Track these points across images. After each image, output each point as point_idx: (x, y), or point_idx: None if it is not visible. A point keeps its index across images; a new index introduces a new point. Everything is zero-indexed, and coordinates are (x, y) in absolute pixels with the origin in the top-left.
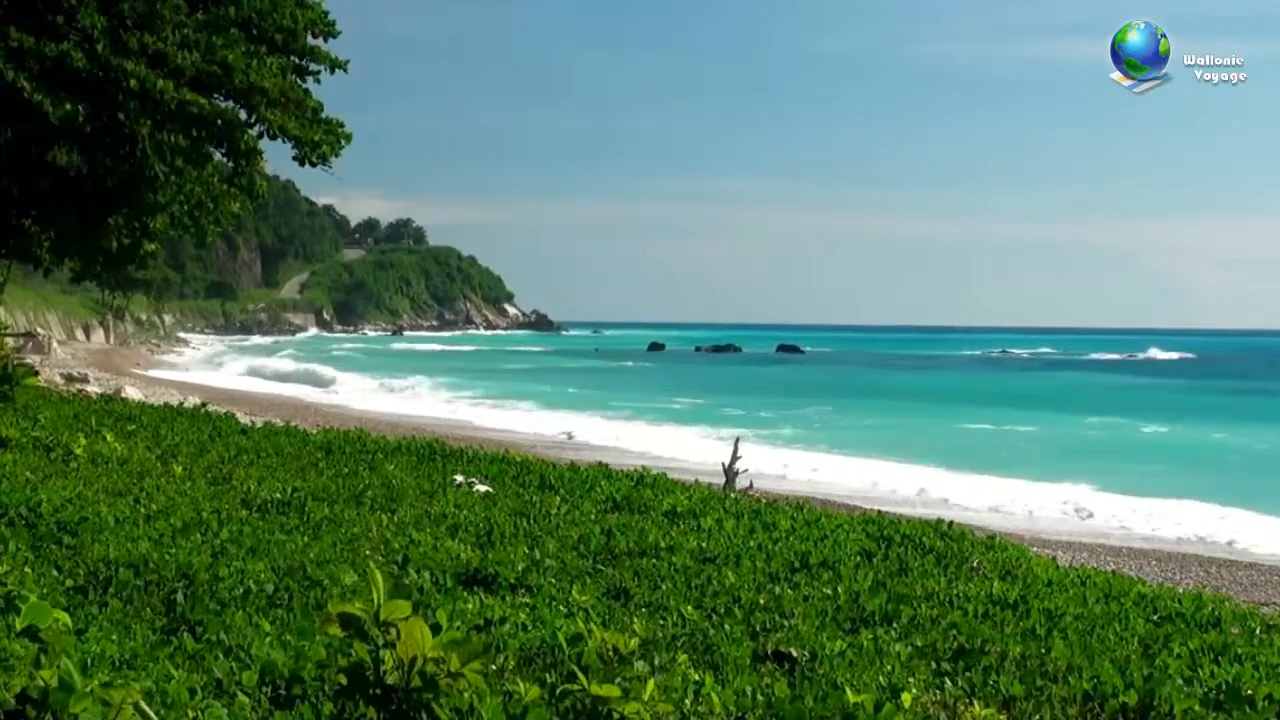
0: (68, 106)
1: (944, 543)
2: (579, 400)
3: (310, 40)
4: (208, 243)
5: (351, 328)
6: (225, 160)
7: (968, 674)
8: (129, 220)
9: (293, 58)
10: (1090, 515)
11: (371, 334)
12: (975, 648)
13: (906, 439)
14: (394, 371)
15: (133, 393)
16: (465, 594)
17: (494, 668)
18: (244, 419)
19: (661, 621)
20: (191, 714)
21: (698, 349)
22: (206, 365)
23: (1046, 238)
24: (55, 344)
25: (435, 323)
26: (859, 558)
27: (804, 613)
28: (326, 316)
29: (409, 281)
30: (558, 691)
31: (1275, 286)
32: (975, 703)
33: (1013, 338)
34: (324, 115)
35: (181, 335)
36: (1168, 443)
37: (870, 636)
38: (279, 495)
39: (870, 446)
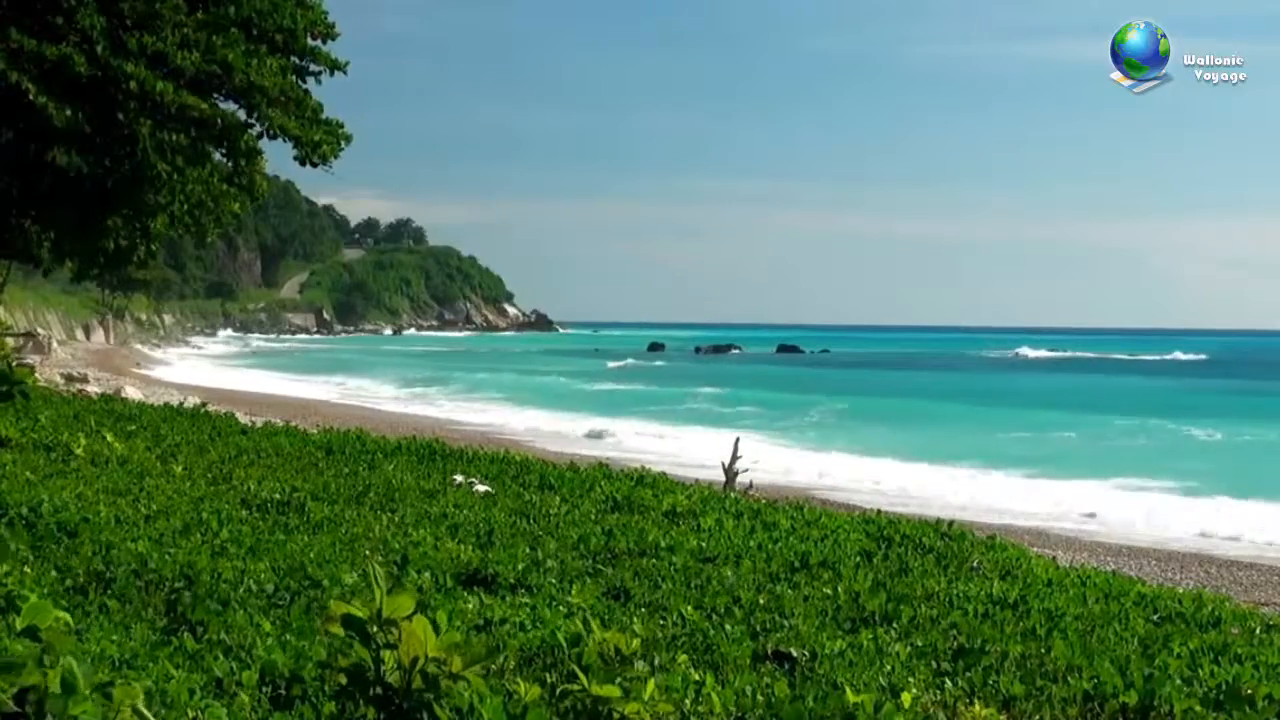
0: (68, 112)
1: (944, 543)
2: None
3: (310, 41)
4: (208, 243)
5: (351, 328)
6: (225, 160)
7: (968, 674)
8: (129, 220)
9: (293, 58)
10: (1091, 515)
11: (370, 333)
12: (975, 648)
13: (905, 439)
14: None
15: (133, 393)
16: (465, 594)
17: (494, 668)
18: (244, 419)
19: (661, 621)
20: (191, 714)
21: (698, 349)
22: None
23: (1046, 238)
24: (55, 344)
25: (435, 322)
26: (859, 558)
27: (804, 613)
28: (326, 316)
29: (409, 281)
30: (558, 691)
31: (1276, 286)
32: (975, 703)
33: (1012, 338)
34: (324, 116)
35: (182, 337)
36: (1166, 443)
37: (870, 636)
38: (279, 495)
39: (870, 446)
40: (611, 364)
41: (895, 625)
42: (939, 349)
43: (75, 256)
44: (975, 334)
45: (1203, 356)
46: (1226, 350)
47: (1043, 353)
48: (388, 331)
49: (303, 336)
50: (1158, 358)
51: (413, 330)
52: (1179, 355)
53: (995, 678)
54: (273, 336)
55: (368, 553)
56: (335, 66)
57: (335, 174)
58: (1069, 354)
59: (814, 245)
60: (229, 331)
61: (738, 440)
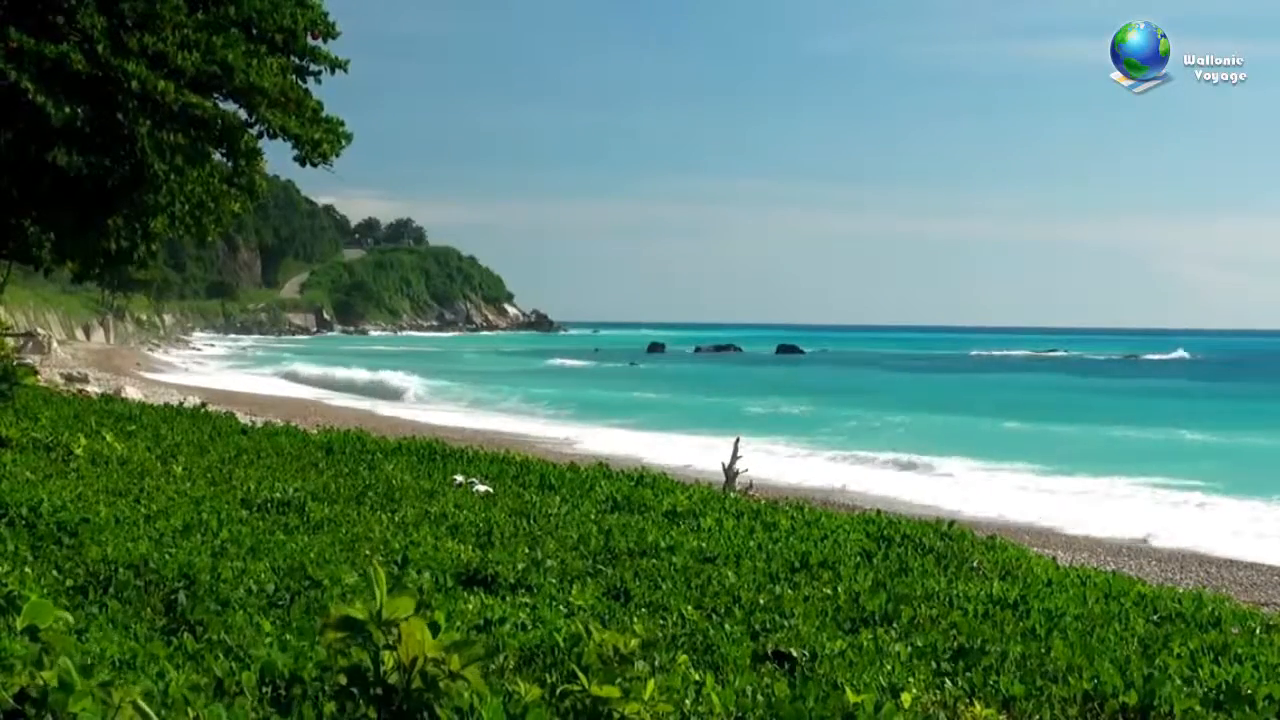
0: (68, 110)
1: (944, 543)
2: None
3: (310, 41)
4: (208, 243)
5: (351, 328)
6: (225, 160)
7: (968, 674)
8: (129, 221)
9: (293, 58)
10: (1092, 516)
11: (375, 334)
12: (975, 648)
13: (905, 439)
14: None
15: (133, 393)
16: (465, 594)
17: (494, 668)
18: (244, 419)
19: (661, 621)
20: (191, 714)
21: (697, 349)
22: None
23: (1046, 238)
24: (55, 344)
25: (435, 322)
26: (859, 558)
27: (804, 613)
28: (327, 316)
29: (409, 281)
30: (558, 691)
31: (1276, 286)
32: (975, 703)
33: (1012, 338)
34: (324, 115)
35: (183, 337)
36: (1166, 442)
37: (870, 636)
38: (279, 495)
39: (870, 447)
40: (553, 361)
41: (895, 625)
42: (937, 349)
43: (75, 257)
44: (974, 334)
45: (1185, 356)
46: (1215, 350)
47: (1039, 353)
48: (375, 332)
49: (295, 337)
50: (1161, 357)
51: (384, 331)
52: (1158, 355)
53: (995, 678)
54: (231, 338)
55: (368, 553)
56: (336, 65)
57: (335, 174)
58: (1063, 353)
59: (814, 245)
60: (201, 333)
61: (737, 440)
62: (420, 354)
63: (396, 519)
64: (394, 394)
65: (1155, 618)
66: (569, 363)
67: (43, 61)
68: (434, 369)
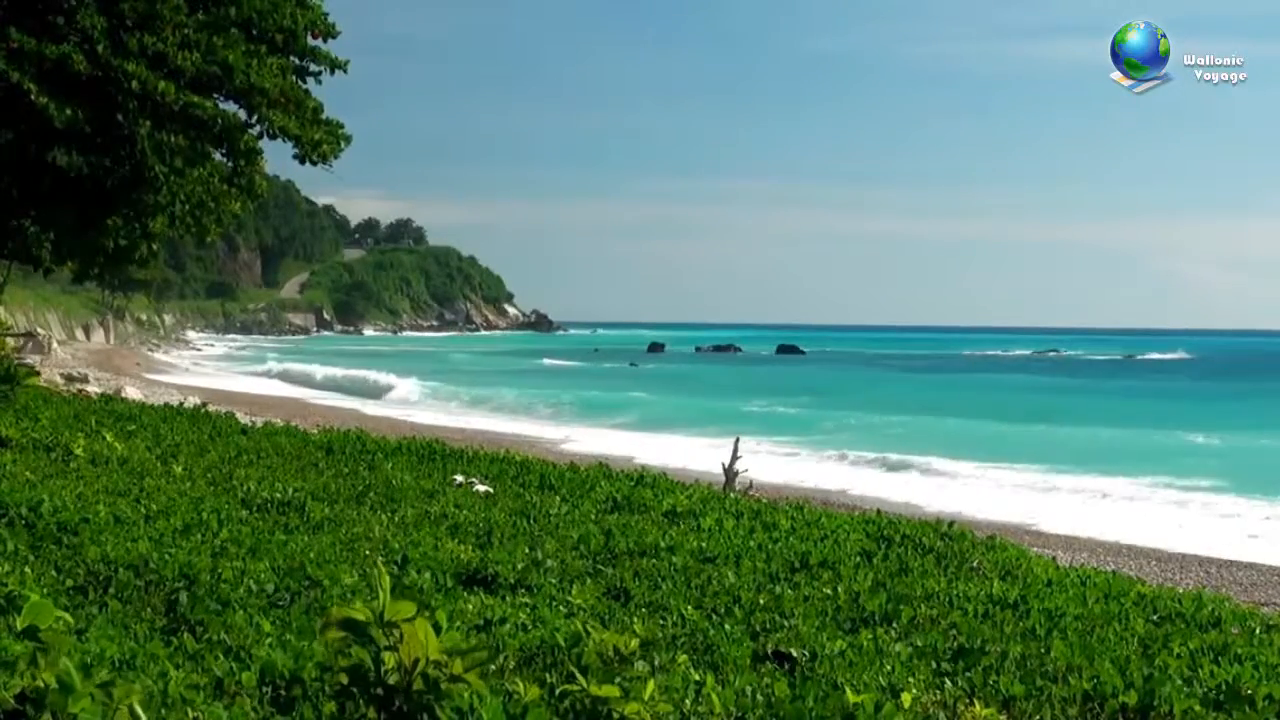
0: (70, 111)
1: (944, 543)
2: None
3: (310, 41)
4: (208, 243)
5: (351, 328)
6: (225, 160)
7: (968, 674)
8: (129, 220)
9: (293, 58)
10: (1092, 516)
11: (372, 334)
12: (975, 648)
13: (905, 439)
14: None
15: (133, 393)
16: (465, 594)
17: (494, 668)
18: (244, 419)
19: (661, 621)
20: (191, 714)
21: (698, 349)
22: None
23: (1046, 238)
24: (55, 344)
25: (435, 322)
26: (859, 558)
27: (804, 613)
28: (327, 316)
29: (409, 281)
30: (558, 692)
31: (1276, 286)
32: (975, 703)
33: (1012, 338)
34: (324, 116)
35: (183, 336)
36: (1166, 442)
37: (870, 636)
38: (279, 495)
39: (870, 447)
40: (546, 361)
41: (895, 625)
42: (937, 349)
43: (75, 257)
44: (974, 334)
45: (1186, 356)
46: (1215, 350)
47: (1039, 352)
48: (372, 331)
49: (295, 337)
50: (1162, 357)
51: (383, 331)
52: (1159, 355)
53: (995, 678)
54: (230, 338)
55: (368, 553)
56: (335, 65)
57: (335, 174)
58: (1063, 353)
59: (814, 245)
60: (200, 333)
61: (737, 440)
62: (416, 354)
63: (396, 519)
64: (391, 394)
65: (1155, 618)
66: (562, 363)
67: (43, 62)
68: (430, 369)
